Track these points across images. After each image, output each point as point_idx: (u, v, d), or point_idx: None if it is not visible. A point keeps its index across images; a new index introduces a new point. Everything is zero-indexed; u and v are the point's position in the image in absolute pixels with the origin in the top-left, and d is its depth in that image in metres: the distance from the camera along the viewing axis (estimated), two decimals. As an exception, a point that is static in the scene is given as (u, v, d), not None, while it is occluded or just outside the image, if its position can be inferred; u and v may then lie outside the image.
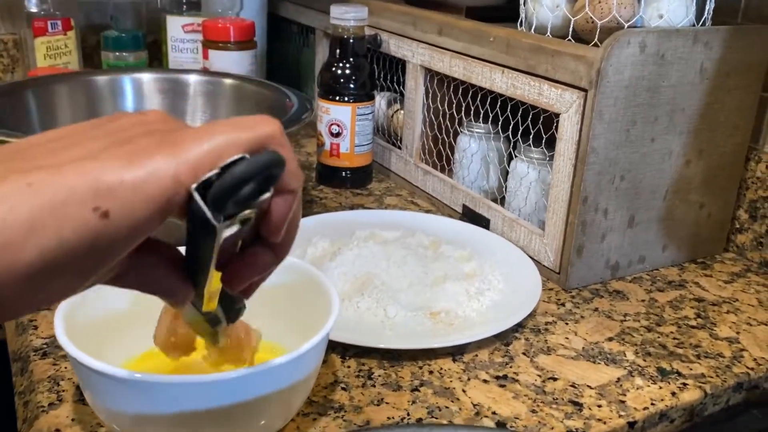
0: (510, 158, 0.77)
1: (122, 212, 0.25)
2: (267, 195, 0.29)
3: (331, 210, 0.82)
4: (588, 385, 0.52)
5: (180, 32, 1.03)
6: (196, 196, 0.27)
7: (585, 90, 0.61)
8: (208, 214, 0.27)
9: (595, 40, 0.64)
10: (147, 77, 0.80)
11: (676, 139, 0.66)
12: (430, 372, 0.53)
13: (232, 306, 0.37)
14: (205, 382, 0.39)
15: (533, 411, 0.49)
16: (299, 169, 0.30)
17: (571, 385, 0.52)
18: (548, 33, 0.67)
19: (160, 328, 0.41)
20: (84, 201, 0.25)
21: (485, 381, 0.52)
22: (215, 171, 0.27)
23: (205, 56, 0.96)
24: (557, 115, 0.64)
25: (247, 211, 0.28)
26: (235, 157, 0.27)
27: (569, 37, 0.65)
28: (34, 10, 1.06)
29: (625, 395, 0.52)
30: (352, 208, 0.84)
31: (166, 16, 1.02)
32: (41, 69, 1.03)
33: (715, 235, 0.75)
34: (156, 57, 1.18)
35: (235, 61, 0.94)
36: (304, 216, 0.77)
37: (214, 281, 0.32)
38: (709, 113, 0.67)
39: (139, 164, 0.26)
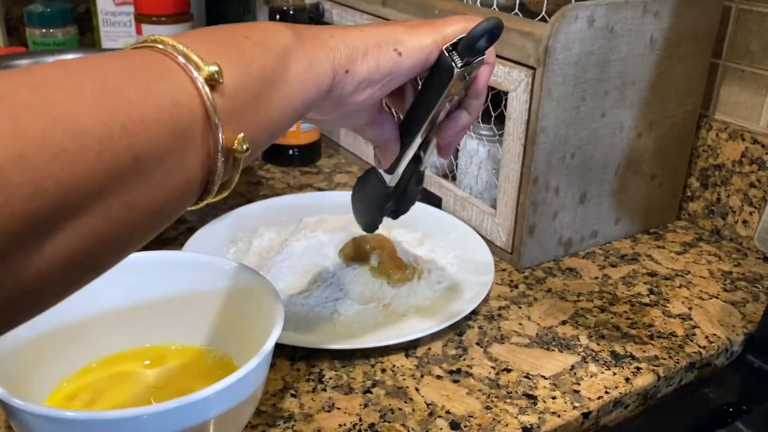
0: (460, 134, 0.74)
1: (408, 54, 0.40)
2: (482, 57, 0.42)
3: (279, 191, 0.80)
4: (542, 375, 0.52)
5: (111, 5, 0.97)
6: (445, 52, 0.41)
7: (533, 68, 0.59)
8: (456, 58, 0.41)
9: (543, 13, 0.61)
10: (72, 58, 0.75)
11: (626, 112, 0.65)
12: (383, 370, 0.52)
13: (404, 201, 0.51)
14: (137, 416, 0.37)
15: (487, 407, 0.49)
16: (493, 48, 0.43)
17: (525, 376, 0.52)
18: (494, 6, 0.65)
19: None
20: (389, 44, 0.40)
21: (439, 377, 0.51)
22: (457, 38, 0.41)
23: (138, 31, 0.90)
24: (506, 94, 0.62)
25: (471, 67, 0.42)
26: (463, 34, 0.41)
27: (516, 11, 0.63)
28: (-51, -17, 0.98)
29: (579, 384, 0.51)
30: (300, 188, 0.81)
31: (95, -12, 0.96)
32: (-37, 48, 0.96)
33: (667, 204, 0.74)
34: (89, 30, 1.11)
35: (169, 35, 0.89)
36: (248, 201, 0.74)
37: (412, 148, 0.46)
38: (659, 84, 0.66)
39: (416, 33, 0.41)
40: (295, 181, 0.83)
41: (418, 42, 0.41)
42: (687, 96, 0.69)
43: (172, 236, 0.70)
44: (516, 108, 0.61)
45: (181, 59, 0.29)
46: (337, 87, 0.38)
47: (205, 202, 0.33)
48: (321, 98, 0.38)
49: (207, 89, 0.29)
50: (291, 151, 0.86)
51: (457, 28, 0.42)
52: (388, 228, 0.67)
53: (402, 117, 0.46)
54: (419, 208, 0.72)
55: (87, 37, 1.12)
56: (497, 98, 0.67)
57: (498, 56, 0.62)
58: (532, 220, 0.64)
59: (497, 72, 0.62)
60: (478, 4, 0.66)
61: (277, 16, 0.81)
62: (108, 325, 0.49)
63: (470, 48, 0.40)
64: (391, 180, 0.48)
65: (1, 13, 1.05)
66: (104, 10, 0.97)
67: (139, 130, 0.27)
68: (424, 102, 0.44)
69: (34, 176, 0.23)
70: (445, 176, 0.76)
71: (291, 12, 0.81)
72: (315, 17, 0.86)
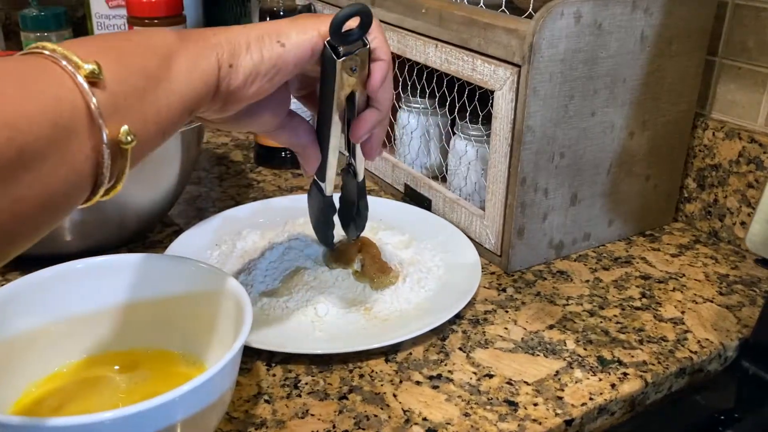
0: (450, 135, 0.73)
1: (292, 45, 0.42)
2: (364, 48, 0.44)
3: (269, 194, 0.79)
4: (525, 381, 0.50)
5: (104, 7, 0.97)
6: (326, 44, 0.43)
7: (518, 66, 0.57)
8: (331, 51, 0.43)
9: (530, 10, 0.60)
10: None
11: (617, 111, 0.63)
12: (361, 376, 0.51)
13: (357, 218, 0.54)
14: (98, 422, 0.36)
15: (466, 414, 0.47)
16: (387, 45, 0.46)
17: (507, 382, 0.50)
18: (481, 3, 0.63)
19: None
20: (272, 37, 0.41)
21: (418, 383, 0.50)
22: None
23: (131, 33, 0.90)
24: (492, 92, 0.61)
25: (353, 58, 0.43)
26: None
27: (503, 8, 0.62)
28: (-54, -12, 0.99)
29: (563, 390, 0.50)
30: (291, 191, 0.80)
31: (89, -9, 0.96)
32: (-42, 52, 0.96)
33: (662, 206, 0.73)
34: (84, 33, 1.11)
35: (162, 38, 0.88)
36: (237, 204, 0.73)
37: (333, 147, 0.48)
38: (651, 82, 0.64)
39: (299, 25, 0.43)
40: (286, 184, 0.82)
41: (302, 33, 0.42)
42: (681, 94, 0.67)
43: (158, 239, 0.69)
44: (502, 107, 0.60)
45: (62, 61, 0.31)
46: (224, 81, 0.40)
47: (99, 196, 0.34)
48: (210, 94, 0.39)
49: (86, 85, 0.31)
50: (283, 154, 0.85)
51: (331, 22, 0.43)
52: (374, 230, 0.66)
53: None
54: (408, 210, 0.71)
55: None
56: (485, 97, 0.65)
57: (483, 54, 0.61)
58: (521, 222, 0.62)
59: (483, 70, 0.61)
60: (465, 2, 0.65)
61: (268, 18, 0.81)
62: (79, 329, 0.48)
63: (337, 35, 0.42)
64: (326, 188, 0.49)
65: (-1, 18, 1.05)
66: (98, 13, 0.97)
67: (21, 125, 0.28)
68: (323, 99, 0.46)
69: None
70: (435, 178, 0.75)
71: (281, 13, 0.80)
72: (307, 18, 0.85)
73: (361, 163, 0.52)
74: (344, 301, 0.57)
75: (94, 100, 0.31)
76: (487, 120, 0.66)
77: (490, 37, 0.59)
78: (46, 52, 0.32)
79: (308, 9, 0.85)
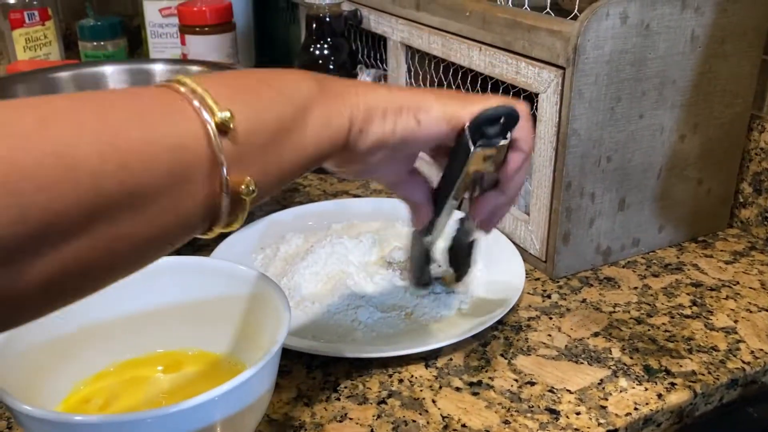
0: (495, 138, 0.72)
1: (428, 124, 0.40)
2: (504, 141, 0.41)
3: (314, 198, 0.79)
4: (567, 389, 0.49)
5: (158, 17, 0.99)
6: (467, 129, 0.40)
7: (563, 68, 0.56)
8: (469, 139, 0.40)
9: (575, 11, 0.59)
10: (110, 70, 0.77)
11: (667, 113, 0.62)
12: (400, 381, 0.50)
13: (460, 264, 0.53)
14: (140, 419, 0.37)
15: (506, 422, 0.46)
16: (531, 138, 0.44)
17: (549, 390, 0.49)
18: (526, 5, 0.63)
19: None
20: (411, 111, 0.40)
21: (458, 389, 0.50)
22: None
23: (183, 42, 0.92)
24: (536, 95, 0.60)
25: (491, 150, 0.41)
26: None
27: (548, 9, 0.61)
28: (10, 1, 1.03)
29: (606, 399, 0.48)
30: (335, 195, 0.80)
31: (143, 1, 0.99)
32: (21, 63, 1.00)
33: (716, 211, 0.70)
34: (139, 42, 1.14)
35: (212, 46, 0.90)
36: (283, 208, 0.74)
37: (446, 212, 0.46)
38: (703, 83, 0.62)
39: (442, 103, 0.41)
40: (331, 189, 0.82)
41: (441, 113, 0.40)
42: (735, 96, 0.65)
43: (204, 242, 0.70)
44: (546, 110, 0.59)
45: (195, 103, 0.30)
46: (350, 144, 0.38)
47: (213, 234, 0.33)
48: (334, 153, 0.38)
49: (216, 133, 0.30)
50: (329, 158, 0.86)
51: (483, 106, 0.41)
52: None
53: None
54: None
55: (137, 49, 1.16)
56: (530, 100, 0.64)
57: (527, 56, 0.60)
58: (566, 228, 0.61)
59: (527, 73, 0.60)
60: (510, 5, 0.64)
61: (314, 24, 0.81)
62: (125, 329, 0.49)
63: (477, 132, 0.40)
64: (428, 242, 0.49)
65: (60, 28, 1.09)
66: (152, 22, 0.99)
67: (135, 168, 0.27)
68: (449, 173, 0.44)
69: (19, 202, 0.24)
70: (480, 182, 0.74)
71: (327, 19, 0.81)
72: (354, 22, 0.86)
73: (473, 228, 0.50)
74: (385, 305, 0.57)
75: (221, 149, 0.30)
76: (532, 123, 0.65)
77: (534, 39, 0.59)
78: (182, 89, 0.30)
79: (354, 15, 0.85)
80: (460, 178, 0.43)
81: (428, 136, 0.41)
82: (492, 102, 0.41)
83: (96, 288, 0.29)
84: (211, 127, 0.30)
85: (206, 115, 0.30)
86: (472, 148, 0.40)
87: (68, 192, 0.25)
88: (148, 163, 0.27)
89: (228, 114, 0.30)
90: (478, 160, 0.41)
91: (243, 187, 0.31)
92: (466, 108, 0.41)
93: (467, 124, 0.41)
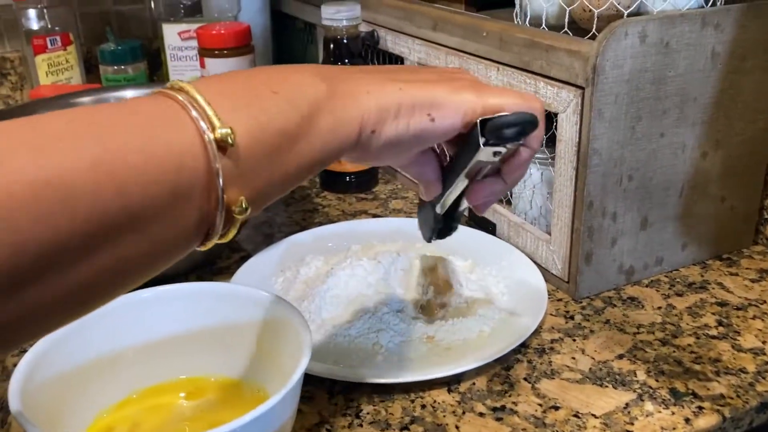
0: (514, 157, 0.72)
1: (442, 120, 0.39)
2: (518, 143, 0.41)
3: (333, 218, 0.79)
4: (592, 414, 0.49)
5: (177, 40, 1.00)
6: (478, 124, 0.39)
7: (582, 87, 0.56)
8: (480, 137, 0.39)
9: (593, 30, 0.59)
10: (131, 94, 0.78)
11: (688, 131, 0.61)
12: (423, 406, 0.50)
13: (448, 227, 0.50)
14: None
15: (531, 448, 0.46)
16: (542, 136, 0.43)
17: (574, 415, 0.49)
18: (543, 25, 0.62)
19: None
20: (424, 108, 0.39)
21: (481, 414, 0.49)
22: (495, 115, 0.39)
23: (202, 64, 0.93)
24: (556, 115, 0.60)
25: (501, 148, 0.40)
26: (507, 113, 0.39)
27: (566, 29, 0.60)
28: (33, 27, 1.05)
29: (632, 424, 0.48)
30: (354, 215, 0.80)
31: (162, 25, 1.00)
32: (44, 87, 1.02)
33: (740, 228, 0.69)
34: (159, 65, 1.16)
35: (231, 68, 0.91)
36: (303, 229, 0.74)
37: (456, 189, 0.45)
38: (724, 100, 0.61)
39: (456, 96, 0.39)
40: (350, 208, 0.82)
41: (455, 107, 0.39)
42: (758, 112, 0.64)
43: (225, 265, 0.70)
44: (566, 130, 0.59)
45: (194, 113, 0.29)
46: (361, 143, 0.38)
47: (210, 245, 0.33)
48: (342, 154, 0.38)
49: (215, 151, 0.29)
50: (348, 178, 0.86)
51: (499, 102, 0.40)
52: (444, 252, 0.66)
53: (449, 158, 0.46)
54: (472, 234, 0.70)
55: (157, 71, 1.17)
56: (548, 119, 0.64)
57: (546, 76, 0.60)
58: (589, 247, 0.61)
59: (546, 93, 0.60)
60: (527, 24, 0.64)
61: (332, 45, 0.82)
62: (147, 356, 0.49)
63: (495, 133, 0.39)
64: (438, 209, 0.48)
65: (81, 52, 1.11)
66: (171, 45, 1.00)
67: (135, 192, 0.27)
68: (458, 159, 0.43)
69: (15, 238, 0.24)
70: (500, 201, 0.74)
71: (344, 41, 0.81)
72: (371, 43, 0.86)
73: (465, 205, 0.51)
74: (407, 329, 0.56)
75: (218, 171, 0.30)
76: (552, 142, 0.65)
77: (553, 59, 0.58)
78: (182, 97, 0.30)
79: (371, 36, 0.86)
80: (468, 165, 0.42)
81: (443, 131, 0.40)
82: (508, 98, 0.41)
83: (98, 306, 0.30)
84: (212, 147, 0.29)
85: (207, 133, 0.29)
86: (482, 146, 0.40)
87: (66, 222, 0.25)
88: (147, 186, 0.27)
89: (228, 130, 0.30)
90: (488, 154, 0.41)
91: (235, 207, 0.31)
92: (482, 98, 0.40)
93: (479, 119, 0.40)
